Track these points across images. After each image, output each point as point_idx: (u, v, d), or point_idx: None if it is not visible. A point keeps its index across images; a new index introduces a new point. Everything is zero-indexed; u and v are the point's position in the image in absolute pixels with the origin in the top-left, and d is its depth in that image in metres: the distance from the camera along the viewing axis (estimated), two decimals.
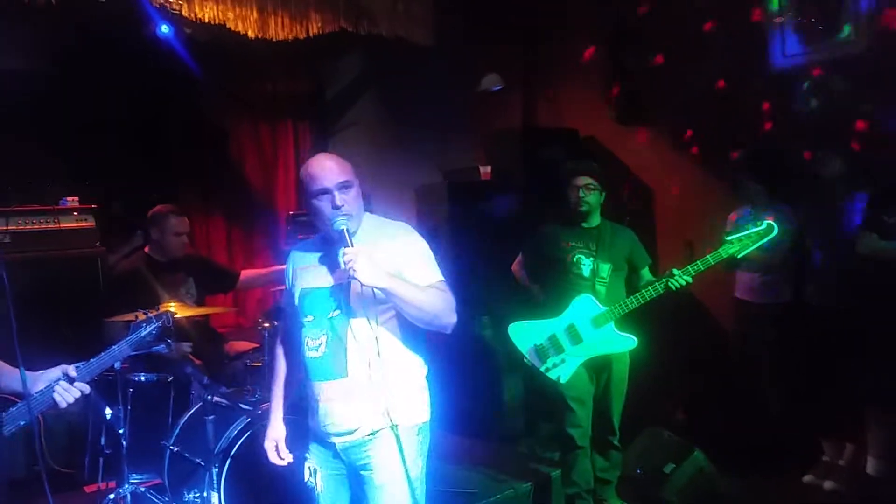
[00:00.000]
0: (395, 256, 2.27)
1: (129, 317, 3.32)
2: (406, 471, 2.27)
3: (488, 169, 5.27)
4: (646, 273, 3.68)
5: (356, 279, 2.12)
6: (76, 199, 4.70)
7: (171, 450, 3.41)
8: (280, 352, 2.61)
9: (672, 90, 4.93)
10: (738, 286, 4.38)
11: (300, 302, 2.38)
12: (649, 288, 3.43)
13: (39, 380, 2.09)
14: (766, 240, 3.37)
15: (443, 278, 2.33)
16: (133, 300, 3.42)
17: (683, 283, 3.34)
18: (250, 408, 3.35)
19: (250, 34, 4.90)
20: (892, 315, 3.49)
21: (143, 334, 2.54)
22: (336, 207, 2.22)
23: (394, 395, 2.26)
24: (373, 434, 2.28)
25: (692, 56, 4.74)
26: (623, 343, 3.52)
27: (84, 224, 4.63)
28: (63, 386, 2.10)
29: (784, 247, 3.91)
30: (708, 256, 3.36)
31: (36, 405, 2.06)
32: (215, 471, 3.17)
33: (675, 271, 3.35)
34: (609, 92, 5.29)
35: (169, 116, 6.32)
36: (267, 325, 3.76)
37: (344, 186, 2.24)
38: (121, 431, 3.30)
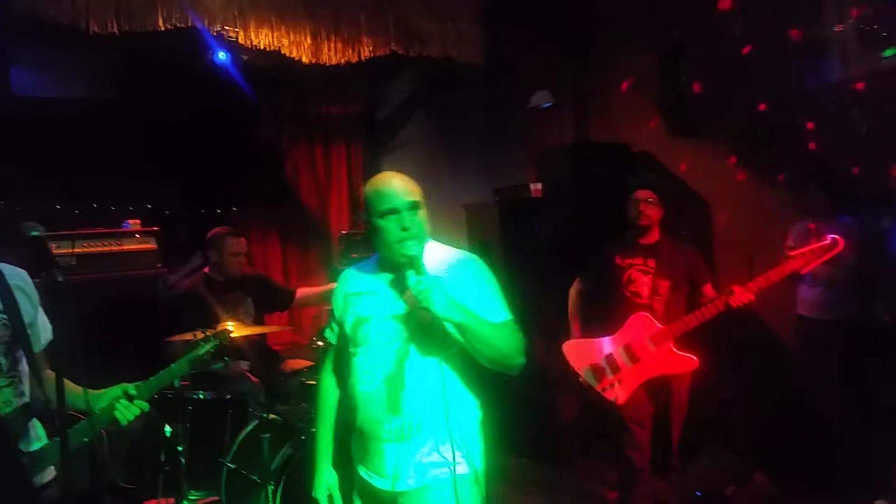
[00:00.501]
0: (463, 289, 2.09)
1: (189, 336, 3.41)
2: None
3: (539, 186, 5.24)
4: (707, 290, 3.59)
5: (426, 309, 1.96)
6: (138, 221, 4.87)
7: (229, 467, 3.46)
8: (329, 384, 2.38)
9: (728, 101, 4.84)
10: (801, 302, 4.24)
11: (353, 330, 2.18)
12: (709, 305, 3.34)
13: (101, 398, 2.15)
14: (830, 254, 3.25)
15: (512, 316, 2.17)
16: (192, 319, 3.49)
17: (745, 300, 3.24)
18: (305, 425, 3.38)
19: (304, 59, 5.03)
20: None
21: (200, 353, 2.58)
22: (404, 229, 2.06)
23: (454, 438, 2.08)
24: (432, 480, 2.08)
25: (749, 64, 4.65)
26: (683, 363, 3.43)
27: (145, 246, 4.78)
28: (123, 404, 2.15)
29: (848, 260, 3.77)
30: (770, 273, 3.26)
31: (98, 422, 2.12)
32: (271, 488, 3.21)
33: (736, 288, 3.26)
34: (662, 105, 5.21)
35: (227, 140, 6.50)
36: (321, 343, 3.78)
37: (413, 207, 2.09)
38: (180, 448, 3.38)
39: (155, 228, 4.89)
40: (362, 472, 2.21)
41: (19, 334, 2.03)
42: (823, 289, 4.07)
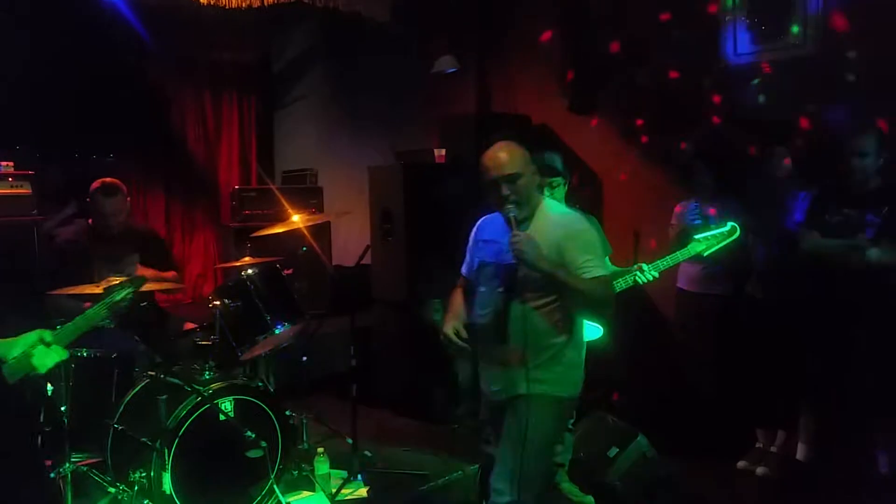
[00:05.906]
0: (560, 245, 2.49)
1: (76, 290, 3.20)
2: (527, 435, 2.51)
3: (443, 152, 5.24)
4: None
5: (521, 261, 2.40)
6: (11, 164, 4.50)
7: (115, 428, 3.30)
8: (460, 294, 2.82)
9: (624, 79, 5.03)
10: (681, 276, 4.48)
11: (477, 272, 2.69)
12: (619, 281, 3.45)
13: (15, 345, 2.02)
14: (730, 240, 3.44)
15: (605, 273, 2.56)
16: (72, 272, 3.30)
17: (651, 278, 3.37)
18: (201, 387, 3.27)
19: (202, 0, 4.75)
20: (828, 311, 3.66)
21: (117, 298, 2.45)
22: (503, 196, 2.47)
23: (537, 368, 2.53)
24: (513, 397, 2.56)
25: (646, 46, 4.86)
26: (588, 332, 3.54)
27: (20, 191, 4.45)
28: (41, 350, 2.06)
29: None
30: (677, 253, 3.40)
31: (10, 372, 1.99)
32: (165, 450, 3.09)
33: (645, 266, 3.38)
34: (563, 79, 5.34)
35: (111, 81, 6.04)
36: (217, 302, 3.63)
37: (510, 179, 2.48)
38: (62, 408, 3.17)
39: (30, 172, 4.52)
40: (481, 381, 2.75)
41: None
42: (704, 265, 4.31)
